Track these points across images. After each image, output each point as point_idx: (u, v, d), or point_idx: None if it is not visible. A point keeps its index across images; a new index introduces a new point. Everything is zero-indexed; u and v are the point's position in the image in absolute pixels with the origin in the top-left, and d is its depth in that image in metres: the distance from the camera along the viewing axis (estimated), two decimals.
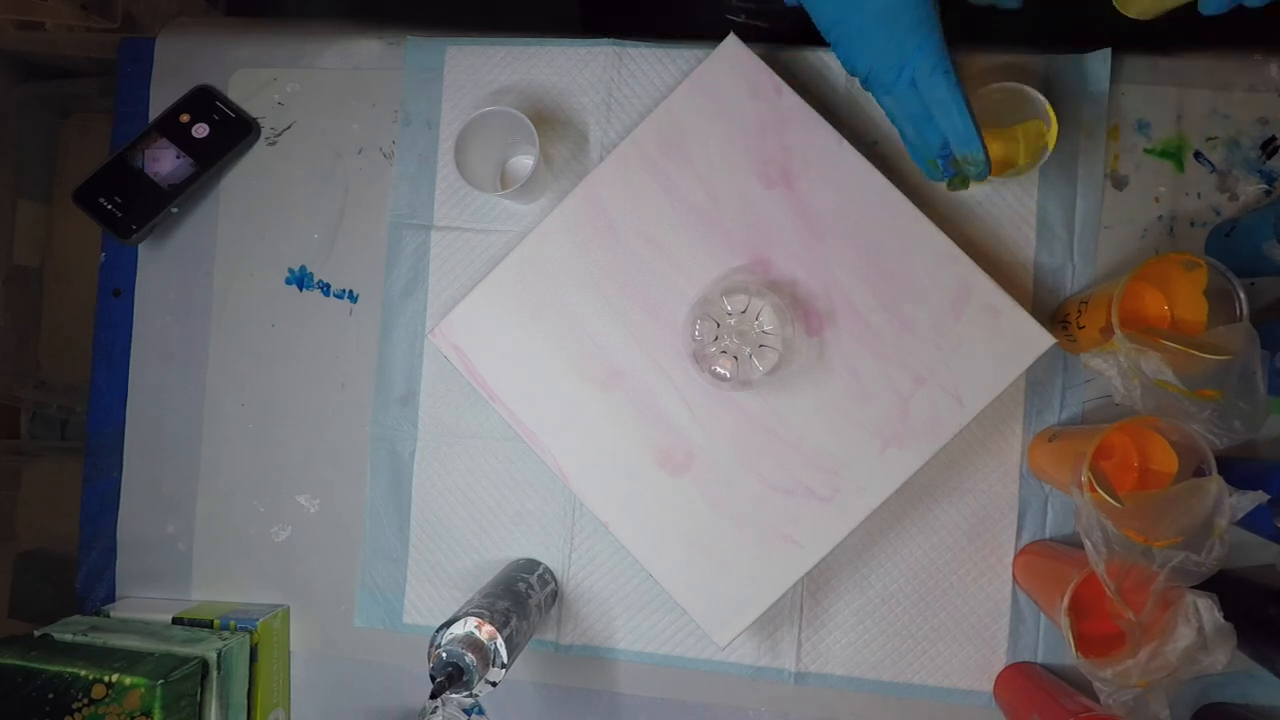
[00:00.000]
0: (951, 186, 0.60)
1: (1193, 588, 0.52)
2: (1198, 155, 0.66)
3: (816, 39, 0.56)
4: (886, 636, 0.67)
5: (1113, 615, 0.54)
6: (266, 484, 0.74)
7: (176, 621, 0.70)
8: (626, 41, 0.70)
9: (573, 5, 0.93)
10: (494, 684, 0.55)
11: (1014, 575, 0.66)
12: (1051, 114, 0.60)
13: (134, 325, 0.76)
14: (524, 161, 0.72)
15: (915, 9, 0.49)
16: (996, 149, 0.64)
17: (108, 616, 0.71)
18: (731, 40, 0.63)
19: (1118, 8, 0.57)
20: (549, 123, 0.71)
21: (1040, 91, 0.60)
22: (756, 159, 0.63)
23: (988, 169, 0.56)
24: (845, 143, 0.62)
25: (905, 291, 0.61)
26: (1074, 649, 0.53)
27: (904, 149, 0.67)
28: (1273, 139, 0.65)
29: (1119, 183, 0.67)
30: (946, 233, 0.61)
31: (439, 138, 0.72)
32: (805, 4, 0.54)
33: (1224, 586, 0.52)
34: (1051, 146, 0.60)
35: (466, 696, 0.54)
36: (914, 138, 0.56)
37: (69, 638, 0.65)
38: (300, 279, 0.74)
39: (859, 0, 0.50)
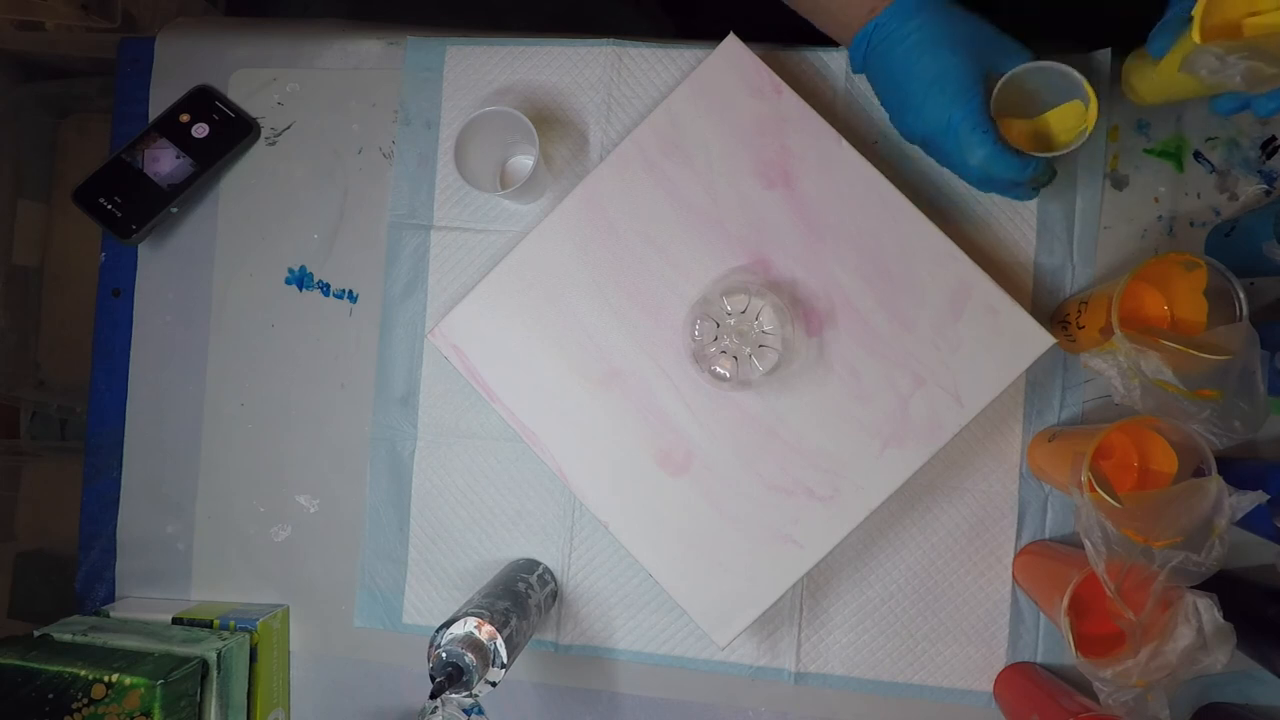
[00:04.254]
0: (1036, 188, 0.60)
1: (1193, 588, 0.52)
2: (1197, 155, 0.66)
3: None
4: (886, 636, 0.68)
5: (1112, 615, 0.54)
6: (266, 484, 0.74)
7: (176, 621, 0.70)
8: (626, 41, 0.70)
9: (571, 5, 0.93)
10: (494, 684, 0.55)
11: (1014, 575, 0.66)
12: (1091, 93, 0.57)
13: (134, 325, 0.76)
14: (524, 161, 0.72)
15: (959, 79, 0.56)
16: (1029, 130, 0.61)
17: (107, 616, 0.71)
18: (731, 40, 0.63)
19: (1125, 93, 0.63)
20: (549, 123, 0.71)
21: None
22: (756, 159, 0.63)
23: (1051, 176, 0.59)
24: (845, 143, 0.62)
25: (905, 291, 0.61)
26: (1074, 649, 0.53)
27: (905, 149, 0.68)
28: (1272, 139, 0.65)
29: (1119, 183, 0.67)
30: (946, 233, 0.61)
31: (439, 138, 0.72)
32: (868, 75, 0.60)
33: (1224, 586, 0.52)
34: (1090, 127, 0.57)
35: (466, 696, 0.54)
36: (979, 184, 0.60)
37: (69, 638, 0.65)
38: (300, 279, 0.74)
39: (913, 71, 0.57)
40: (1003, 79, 0.57)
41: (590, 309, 0.64)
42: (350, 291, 0.74)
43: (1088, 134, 0.57)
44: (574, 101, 0.71)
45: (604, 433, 0.63)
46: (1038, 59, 0.57)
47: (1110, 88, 0.65)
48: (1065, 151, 0.59)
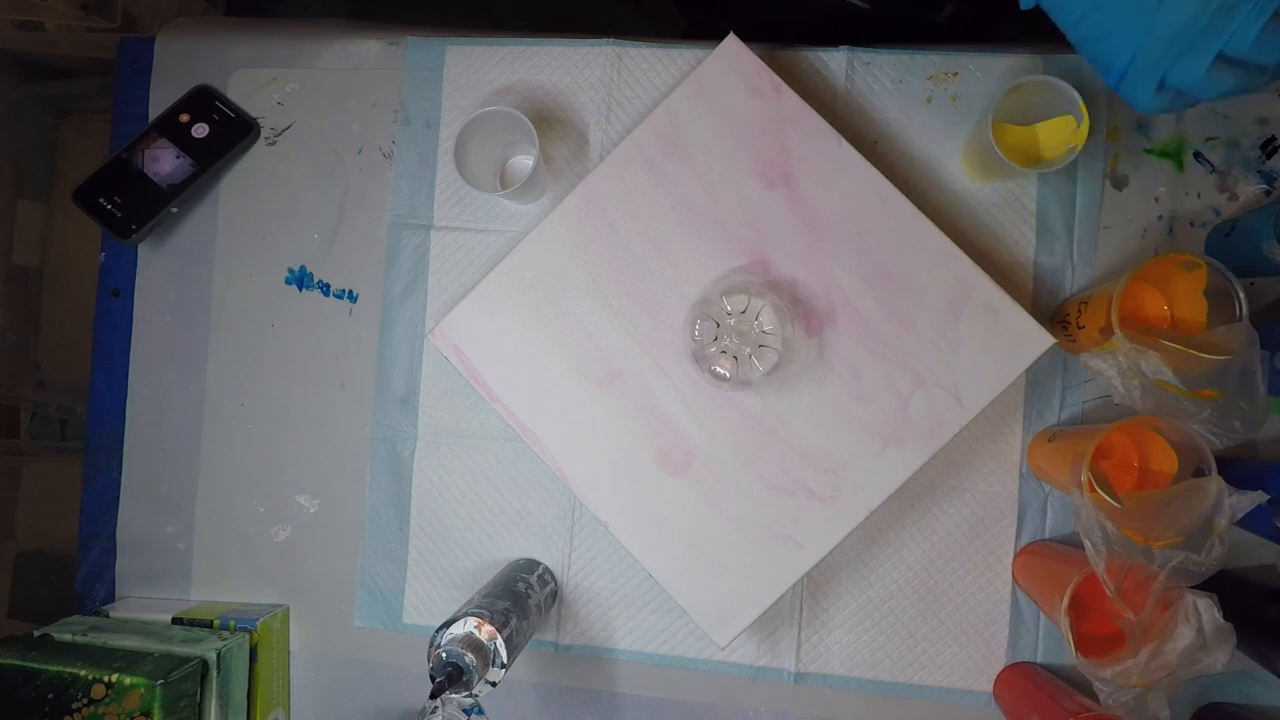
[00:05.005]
0: None
1: (1193, 588, 0.52)
2: (1197, 155, 0.66)
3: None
4: (886, 636, 0.68)
5: (1112, 615, 0.54)
6: (266, 484, 0.74)
7: (176, 621, 0.70)
8: (626, 41, 0.70)
9: (572, 5, 0.93)
10: (494, 684, 0.55)
11: (1013, 575, 0.66)
12: (1084, 110, 0.59)
13: (134, 325, 0.76)
14: (524, 161, 0.72)
15: None
16: (1022, 141, 0.63)
17: (107, 616, 0.71)
18: (731, 40, 0.63)
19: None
20: (549, 123, 0.71)
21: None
22: (756, 159, 0.63)
23: None
24: (845, 143, 0.62)
25: (905, 291, 0.61)
26: (1074, 649, 0.53)
27: (904, 148, 0.67)
28: (1272, 139, 0.65)
29: (1118, 183, 0.67)
30: (946, 233, 0.61)
31: (439, 138, 0.72)
32: None
33: (1224, 586, 0.52)
34: (1081, 146, 0.59)
35: (466, 696, 0.54)
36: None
37: (69, 638, 0.65)
38: (300, 279, 0.74)
39: None
40: (1006, 89, 0.59)
41: (590, 309, 0.64)
42: (350, 291, 0.74)
43: (1077, 151, 0.59)
44: (574, 101, 0.71)
45: (604, 433, 0.63)
46: None
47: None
48: (1054, 168, 0.61)
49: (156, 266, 0.76)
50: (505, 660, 0.55)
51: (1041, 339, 0.60)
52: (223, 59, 0.75)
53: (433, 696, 0.51)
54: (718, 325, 0.60)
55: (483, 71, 0.72)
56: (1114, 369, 0.56)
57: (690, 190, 0.63)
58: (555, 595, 0.69)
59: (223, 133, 0.73)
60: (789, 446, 0.62)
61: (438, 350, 0.65)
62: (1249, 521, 0.55)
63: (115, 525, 0.75)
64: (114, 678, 0.60)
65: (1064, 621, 0.54)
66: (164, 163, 0.73)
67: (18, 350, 1.09)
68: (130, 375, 0.76)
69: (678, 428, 0.63)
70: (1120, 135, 0.66)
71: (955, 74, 0.67)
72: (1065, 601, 0.54)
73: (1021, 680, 0.64)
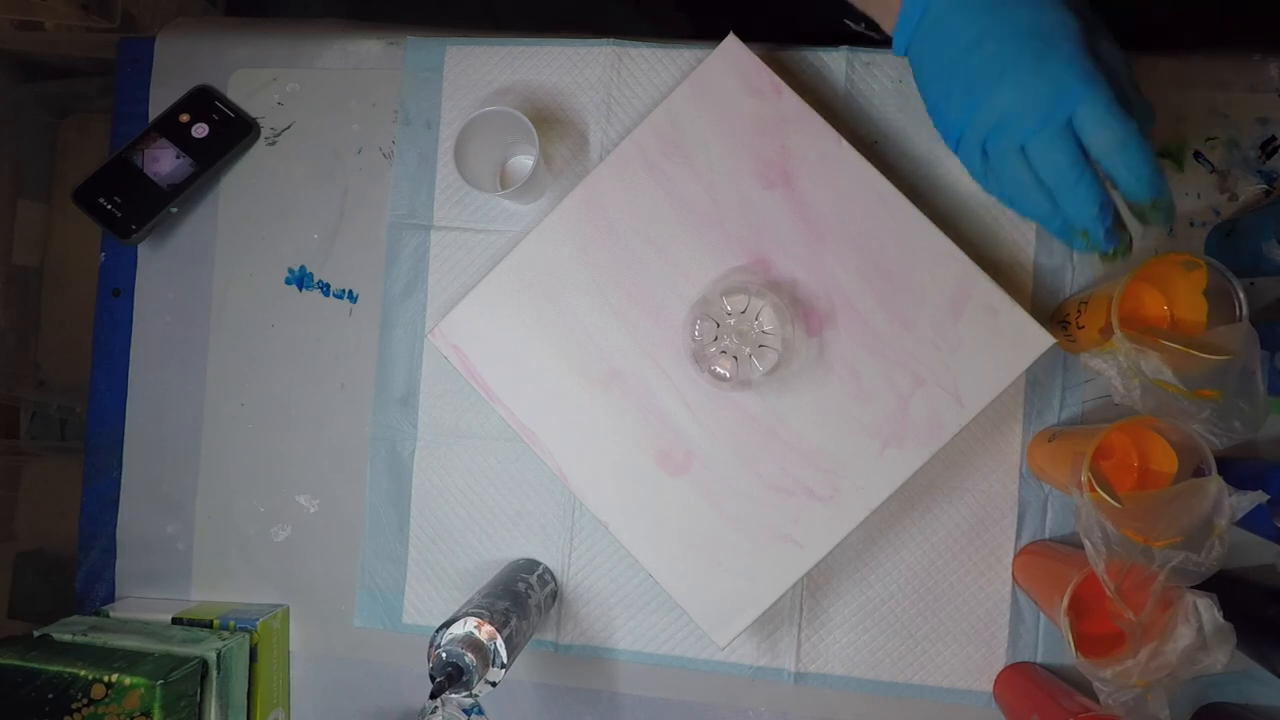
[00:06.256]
0: (1115, 255, 0.48)
1: (1193, 588, 0.52)
2: (1197, 155, 0.66)
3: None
4: (886, 636, 0.68)
5: (1112, 615, 0.54)
6: (266, 484, 0.74)
7: (176, 621, 0.70)
8: (626, 41, 0.70)
9: (572, 5, 0.93)
10: (494, 684, 0.55)
11: (1013, 575, 0.66)
12: None
13: (134, 325, 0.76)
14: (524, 161, 0.72)
15: (1072, 35, 0.41)
16: None
17: (107, 616, 0.71)
18: (731, 40, 0.63)
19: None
20: (549, 123, 0.71)
21: None
22: (756, 159, 0.63)
23: (1174, 209, 0.46)
24: (845, 143, 0.62)
25: (905, 291, 0.61)
26: (1074, 649, 0.53)
27: (905, 148, 0.67)
28: (1272, 139, 0.65)
29: None
30: (946, 233, 0.61)
31: (439, 138, 0.72)
32: (911, 50, 0.47)
33: (1224, 586, 0.52)
34: None
35: (466, 696, 0.54)
36: (1064, 200, 0.45)
37: (68, 638, 0.65)
38: (300, 279, 0.74)
39: (996, 24, 0.41)
40: None
41: (590, 309, 0.64)
42: (350, 291, 0.74)
43: None
44: (574, 101, 0.71)
45: (604, 433, 0.63)
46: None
47: None
48: None
49: (156, 266, 0.76)
50: (505, 660, 0.55)
51: (1041, 339, 0.60)
52: (223, 59, 0.75)
53: (433, 696, 0.51)
54: (718, 325, 0.60)
55: (483, 71, 0.72)
56: (1114, 369, 0.56)
57: (690, 190, 0.63)
58: (555, 595, 0.69)
59: (223, 133, 0.73)
60: (789, 446, 0.62)
61: (438, 350, 0.65)
62: (1249, 521, 0.55)
63: (115, 525, 0.75)
64: (114, 678, 0.60)
65: (1064, 621, 0.54)
66: (164, 163, 0.73)
67: (18, 350, 1.09)
68: (130, 375, 0.76)
69: (678, 428, 0.63)
70: None
71: None
72: (1065, 601, 0.54)
73: (1021, 680, 0.64)
